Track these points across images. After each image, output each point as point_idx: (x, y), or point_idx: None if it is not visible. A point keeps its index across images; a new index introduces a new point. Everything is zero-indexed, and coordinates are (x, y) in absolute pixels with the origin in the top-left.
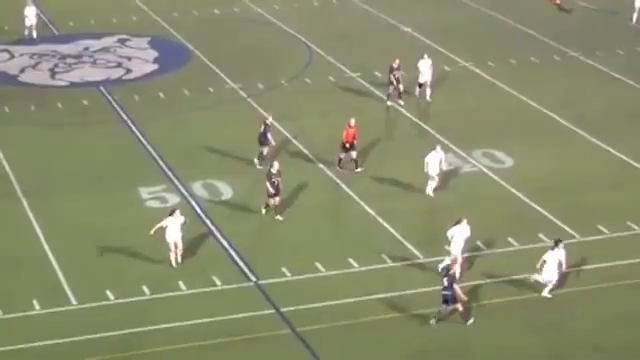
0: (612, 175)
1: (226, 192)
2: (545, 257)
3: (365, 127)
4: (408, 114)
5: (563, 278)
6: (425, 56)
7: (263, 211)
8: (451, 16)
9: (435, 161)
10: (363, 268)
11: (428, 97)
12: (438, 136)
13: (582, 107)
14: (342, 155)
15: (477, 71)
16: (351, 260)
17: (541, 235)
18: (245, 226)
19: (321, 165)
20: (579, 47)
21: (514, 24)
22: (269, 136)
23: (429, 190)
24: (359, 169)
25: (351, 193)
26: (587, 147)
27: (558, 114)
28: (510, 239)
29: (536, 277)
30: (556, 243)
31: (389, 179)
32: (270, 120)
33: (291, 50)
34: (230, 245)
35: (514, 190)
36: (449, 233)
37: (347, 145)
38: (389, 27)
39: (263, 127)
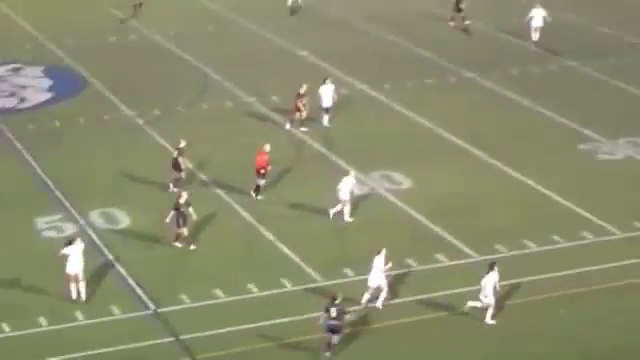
0: (509, 194)
1: (124, 220)
2: (483, 282)
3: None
4: (306, 138)
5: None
6: (327, 81)
7: (177, 244)
8: (346, 39)
9: (347, 186)
10: (263, 293)
11: (327, 122)
12: (336, 159)
13: (478, 128)
14: (259, 182)
15: (373, 94)
16: (251, 286)
17: (439, 255)
18: (143, 254)
19: (219, 190)
20: (474, 68)
21: (409, 46)
22: (180, 162)
23: (332, 213)
24: (259, 197)
25: (250, 218)
26: (484, 167)
27: (455, 135)
28: (409, 260)
29: (471, 304)
30: (491, 266)
31: (289, 203)
32: (183, 145)
33: (187, 76)
34: (128, 274)
35: (412, 211)
36: (374, 264)
37: (261, 171)
38: (285, 52)
39: (176, 152)
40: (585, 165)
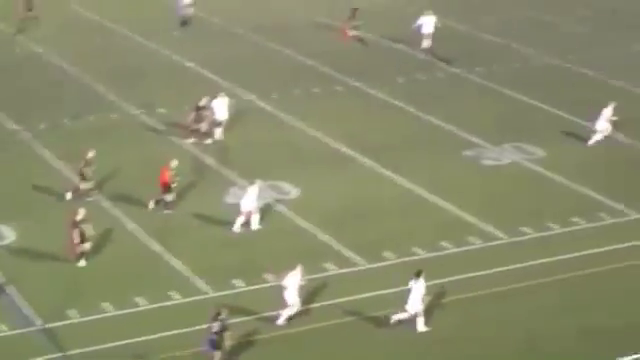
0: (396, 202)
1: (9, 236)
2: (410, 289)
3: (153, 164)
4: (195, 150)
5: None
6: (221, 94)
7: (82, 263)
8: (233, 50)
9: (253, 195)
10: (151, 306)
11: (219, 135)
12: (224, 170)
13: (365, 136)
14: (166, 197)
15: (261, 104)
16: (138, 299)
17: (328, 264)
18: (29, 270)
19: (107, 203)
20: (361, 77)
21: (295, 56)
22: (85, 172)
23: (237, 227)
24: (167, 211)
25: (140, 231)
26: (371, 175)
27: (342, 143)
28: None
29: (397, 317)
30: (418, 274)
31: (179, 216)
32: (91, 156)
33: (73, 89)
34: (14, 289)
35: (301, 220)
36: (284, 283)
37: (167, 186)
38: (172, 63)
39: (83, 163)
40: (471, 171)
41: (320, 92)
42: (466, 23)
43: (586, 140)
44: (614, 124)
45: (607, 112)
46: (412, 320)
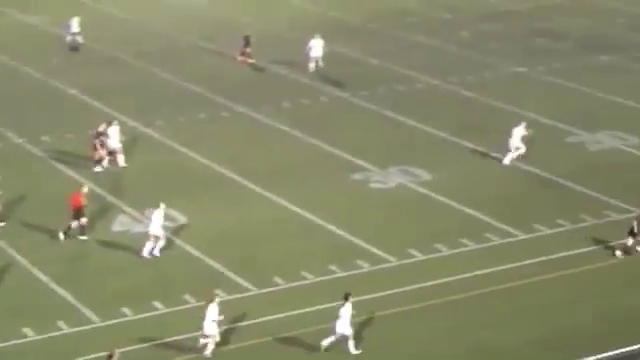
0: (285, 226)
1: None
2: (340, 313)
3: (39, 192)
4: (80, 177)
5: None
6: (115, 123)
7: None
8: (116, 76)
9: (158, 220)
10: (39, 337)
11: (122, 162)
12: (110, 198)
13: (252, 161)
14: (82, 221)
15: (147, 131)
16: (26, 330)
17: (218, 291)
18: None
19: None
20: (246, 102)
21: (180, 82)
22: None
23: (147, 252)
24: (83, 237)
25: (26, 262)
26: (259, 200)
27: (228, 169)
28: (186, 296)
29: (326, 342)
30: (346, 297)
31: (64, 245)
32: None
33: None
34: None
35: (189, 247)
36: (207, 314)
37: (77, 212)
38: (55, 90)
39: None
40: (358, 194)
41: (205, 118)
42: (350, 47)
43: (500, 160)
44: (526, 140)
45: (519, 130)
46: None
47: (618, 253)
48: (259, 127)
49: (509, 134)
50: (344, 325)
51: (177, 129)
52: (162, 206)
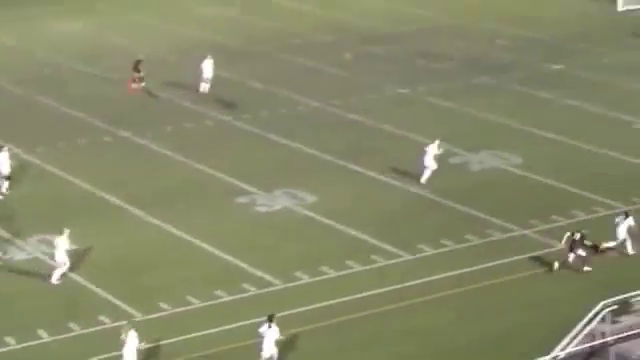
0: (170, 252)
1: None
2: (262, 333)
3: None
4: None
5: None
6: (4, 149)
7: None
8: None
9: (61, 247)
10: None
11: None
12: None
13: (135, 186)
14: None
15: (27, 157)
16: None
17: (102, 317)
18: None
19: None
20: (129, 127)
21: (59, 107)
22: None
23: (56, 278)
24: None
25: None
26: (142, 226)
27: (111, 195)
28: (71, 324)
29: None
30: (270, 319)
31: None
32: None
33: None
34: None
35: (73, 274)
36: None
37: None
38: None
39: None
40: (244, 218)
41: (87, 143)
42: (232, 71)
43: (418, 178)
44: (437, 158)
45: (432, 148)
46: None
47: (556, 265)
48: (142, 152)
49: (423, 153)
50: (269, 346)
51: (57, 155)
52: (66, 232)
